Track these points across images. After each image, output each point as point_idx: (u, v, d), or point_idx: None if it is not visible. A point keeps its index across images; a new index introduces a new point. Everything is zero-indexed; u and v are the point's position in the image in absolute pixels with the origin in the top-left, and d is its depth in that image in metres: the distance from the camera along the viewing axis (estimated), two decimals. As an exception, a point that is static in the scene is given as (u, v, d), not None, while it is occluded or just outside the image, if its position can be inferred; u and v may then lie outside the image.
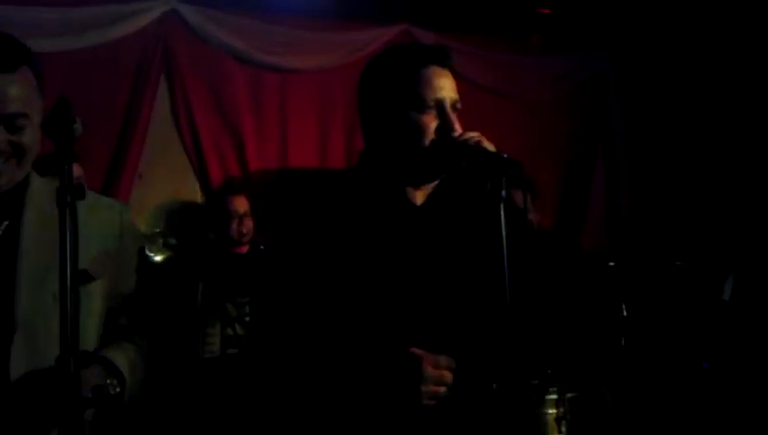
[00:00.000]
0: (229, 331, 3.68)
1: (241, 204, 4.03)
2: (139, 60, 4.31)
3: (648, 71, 5.40)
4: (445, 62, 1.66)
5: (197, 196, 4.51)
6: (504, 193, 1.48)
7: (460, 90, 1.68)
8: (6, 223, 1.51)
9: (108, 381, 1.45)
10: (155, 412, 3.09)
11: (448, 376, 1.46)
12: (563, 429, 2.32)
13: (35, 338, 1.43)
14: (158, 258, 3.66)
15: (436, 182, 1.69)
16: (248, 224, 4.00)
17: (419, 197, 1.70)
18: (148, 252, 3.49)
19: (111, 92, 4.25)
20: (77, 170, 3.37)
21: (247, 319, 3.63)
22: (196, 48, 4.42)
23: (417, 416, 1.46)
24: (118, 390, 1.47)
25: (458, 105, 1.65)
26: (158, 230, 3.90)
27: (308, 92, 4.71)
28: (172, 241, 3.76)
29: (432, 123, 1.62)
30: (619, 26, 5.10)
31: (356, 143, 4.66)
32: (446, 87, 1.63)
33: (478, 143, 1.57)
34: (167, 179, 4.46)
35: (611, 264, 3.72)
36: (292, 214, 1.73)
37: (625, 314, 3.54)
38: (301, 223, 1.66)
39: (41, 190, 1.56)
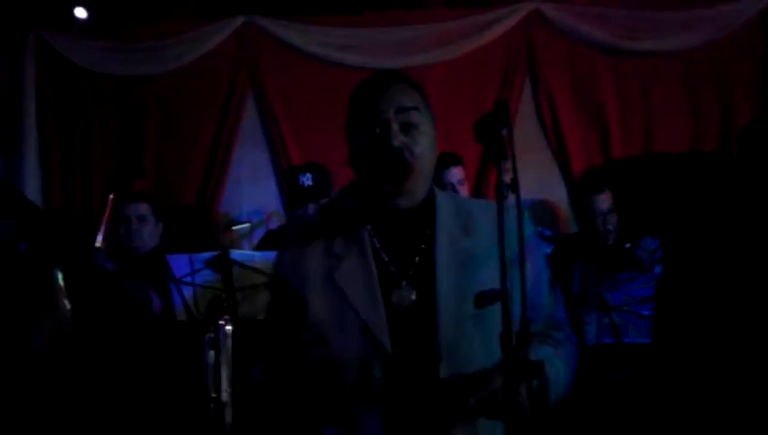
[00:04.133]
0: (605, 320, 3.65)
1: (602, 201, 3.97)
2: (503, 63, 4.53)
3: None
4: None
5: (563, 193, 4.58)
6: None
7: None
8: (423, 246, 1.57)
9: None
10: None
11: None
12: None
13: (458, 360, 1.47)
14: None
15: None
16: (613, 220, 3.92)
17: None
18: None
19: (478, 96, 4.51)
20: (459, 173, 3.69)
21: (625, 308, 3.58)
22: (559, 45, 4.52)
23: None
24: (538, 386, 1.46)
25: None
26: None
27: (674, 74, 4.51)
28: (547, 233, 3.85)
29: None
30: None
31: (735, 123, 4.35)
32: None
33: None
34: (532, 179, 4.57)
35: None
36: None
37: None
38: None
39: (446, 206, 1.63)
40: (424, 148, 1.56)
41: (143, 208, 3.60)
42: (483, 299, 1.40)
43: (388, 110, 1.55)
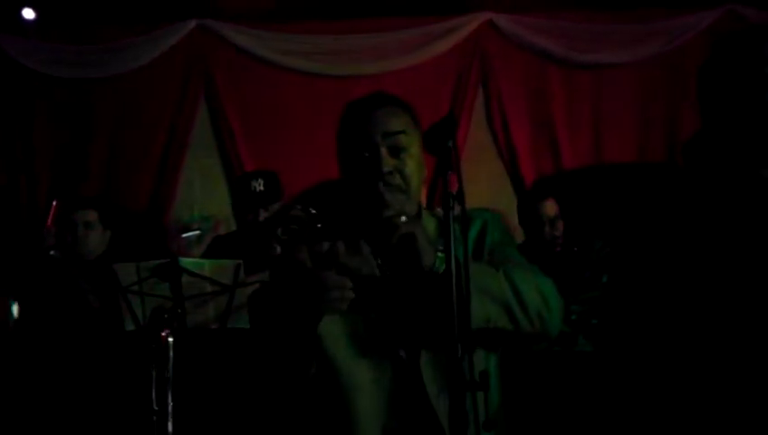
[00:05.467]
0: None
1: (549, 207, 4.02)
2: (456, 72, 4.56)
3: None
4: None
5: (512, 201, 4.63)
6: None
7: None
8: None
9: None
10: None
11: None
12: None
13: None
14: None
15: None
16: (560, 226, 3.97)
17: None
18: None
19: (432, 106, 4.53)
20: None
21: (574, 317, 3.63)
22: (511, 56, 4.57)
23: None
24: None
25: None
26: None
27: (624, 87, 4.60)
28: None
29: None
30: None
31: (681, 135, 4.46)
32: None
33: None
34: (484, 186, 4.62)
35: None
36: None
37: None
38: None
39: (430, 223, 1.70)
40: (412, 169, 1.63)
41: (90, 216, 3.53)
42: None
43: (375, 134, 1.61)
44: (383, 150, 1.60)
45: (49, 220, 3.52)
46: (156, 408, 1.96)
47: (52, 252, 3.50)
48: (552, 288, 1.63)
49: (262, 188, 3.54)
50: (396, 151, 1.61)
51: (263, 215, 3.44)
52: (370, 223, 1.60)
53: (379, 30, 4.53)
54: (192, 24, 4.53)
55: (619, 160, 4.57)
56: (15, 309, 3.64)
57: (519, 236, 4.49)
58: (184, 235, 3.88)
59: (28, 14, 4.38)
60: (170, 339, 1.94)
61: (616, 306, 1.74)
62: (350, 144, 1.64)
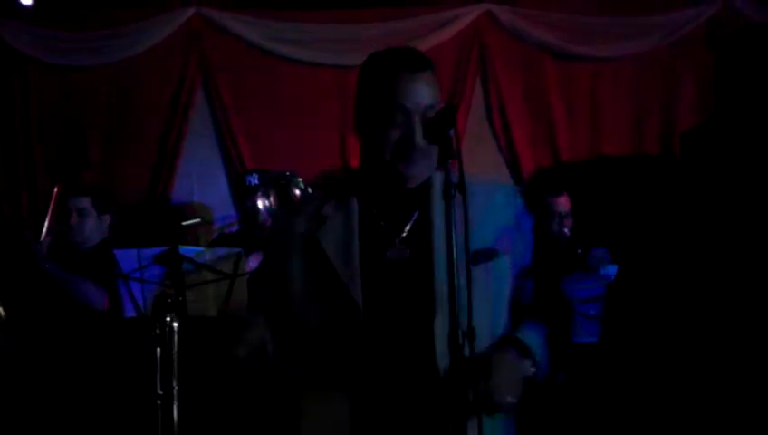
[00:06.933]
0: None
1: (562, 204, 4.02)
2: (455, 63, 4.57)
3: None
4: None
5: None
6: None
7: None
8: (417, 213, 1.66)
9: (522, 362, 1.54)
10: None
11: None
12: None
13: (452, 314, 1.49)
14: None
15: None
16: (569, 223, 3.96)
17: None
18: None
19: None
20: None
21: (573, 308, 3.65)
22: (510, 47, 4.59)
23: None
24: (533, 370, 1.55)
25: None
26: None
27: (621, 79, 4.62)
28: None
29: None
30: None
31: (675, 127, 4.49)
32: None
33: None
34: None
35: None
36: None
37: None
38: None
39: (440, 179, 1.68)
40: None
41: (83, 202, 3.53)
42: (477, 257, 1.51)
43: (413, 103, 1.60)
44: (417, 120, 1.60)
45: (50, 207, 3.52)
46: (160, 392, 1.98)
47: (46, 239, 3.49)
48: (544, 346, 1.65)
49: (256, 181, 3.66)
50: (426, 120, 1.60)
51: (260, 203, 3.54)
52: (388, 191, 1.65)
53: (378, 20, 4.52)
54: (190, 11, 4.52)
55: (615, 152, 4.59)
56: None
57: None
58: (184, 223, 3.90)
59: (25, -1, 4.37)
60: (175, 324, 1.96)
61: (620, 302, 1.77)
62: (383, 101, 1.61)
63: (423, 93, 1.61)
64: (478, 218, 1.52)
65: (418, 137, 1.59)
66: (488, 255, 1.55)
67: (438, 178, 1.69)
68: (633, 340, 1.66)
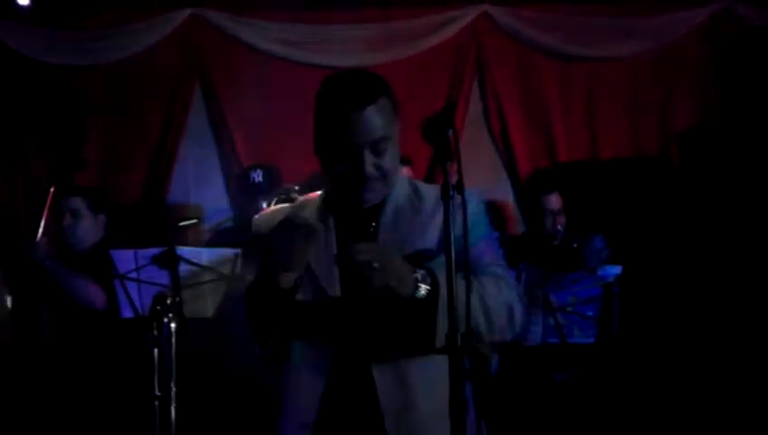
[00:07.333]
0: (550, 320, 3.71)
1: (553, 201, 4.04)
2: (452, 64, 4.57)
3: None
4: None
5: (509, 195, 4.66)
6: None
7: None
8: (374, 224, 1.69)
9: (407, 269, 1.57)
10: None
11: None
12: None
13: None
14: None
15: None
16: (562, 220, 3.99)
17: None
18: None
19: (428, 97, 4.55)
20: (407, 173, 3.71)
21: (570, 309, 3.65)
22: (507, 48, 4.60)
23: None
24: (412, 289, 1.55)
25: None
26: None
27: (618, 80, 4.64)
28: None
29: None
30: None
31: (672, 128, 4.50)
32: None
33: None
34: (480, 178, 4.63)
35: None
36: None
37: None
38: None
39: (398, 193, 1.73)
40: (392, 163, 1.64)
41: (76, 202, 3.48)
42: (420, 256, 1.60)
43: (362, 138, 1.60)
44: (366, 153, 1.60)
45: (46, 207, 3.51)
46: (158, 393, 1.99)
47: (42, 239, 3.46)
48: (518, 301, 1.65)
49: (260, 178, 3.60)
50: (378, 152, 1.61)
51: (262, 205, 3.47)
52: (348, 213, 1.69)
53: (375, 21, 4.53)
54: (186, 12, 4.51)
55: (612, 154, 4.60)
56: (9, 300, 3.64)
57: (517, 227, 4.54)
58: (180, 223, 3.89)
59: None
60: (173, 325, 1.97)
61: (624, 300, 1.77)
62: (331, 136, 1.62)
63: (372, 127, 1.60)
64: (427, 215, 1.64)
65: (368, 167, 1.60)
66: (428, 256, 1.58)
67: (396, 192, 1.72)
68: (633, 340, 1.67)
